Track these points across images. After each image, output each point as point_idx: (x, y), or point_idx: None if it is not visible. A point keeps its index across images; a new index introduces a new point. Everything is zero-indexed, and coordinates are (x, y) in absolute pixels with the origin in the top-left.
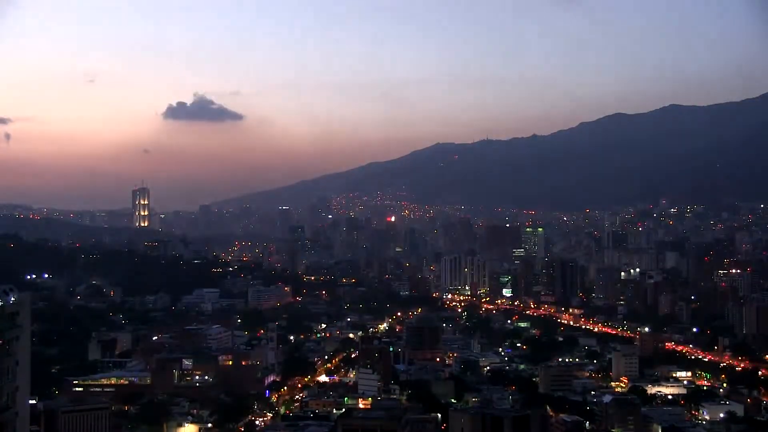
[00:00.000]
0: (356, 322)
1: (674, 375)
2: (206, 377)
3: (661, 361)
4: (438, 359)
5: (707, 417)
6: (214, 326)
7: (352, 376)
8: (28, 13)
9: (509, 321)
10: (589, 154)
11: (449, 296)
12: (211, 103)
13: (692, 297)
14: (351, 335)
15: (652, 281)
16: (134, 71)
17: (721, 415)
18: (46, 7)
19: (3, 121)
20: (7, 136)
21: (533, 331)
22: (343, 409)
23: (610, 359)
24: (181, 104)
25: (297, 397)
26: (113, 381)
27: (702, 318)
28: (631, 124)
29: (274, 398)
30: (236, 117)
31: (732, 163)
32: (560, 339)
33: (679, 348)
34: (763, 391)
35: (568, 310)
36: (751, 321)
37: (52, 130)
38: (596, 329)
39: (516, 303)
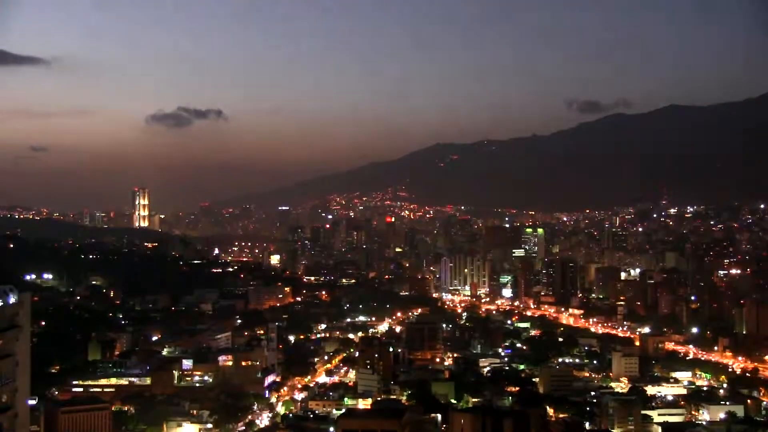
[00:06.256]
0: (356, 323)
1: (674, 375)
2: (206, 377)
3: (661, 361)
4: (438, 359)
5: (707, 417)
6: (214, 326)
7: (352, 376)
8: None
9: (509, 321)
10: (589, 154)
11: (449, 296)
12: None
13: (692, 297)
14: (351, 335)
15: (652, 281)
16: (134, 72)
17: (721, 415)
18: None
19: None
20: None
21: (533, 331)
22: (343, 409)
23: (610, 359)
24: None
25: (297, 397)
26: (113, 381)
27: (702, 318)
28: (631, 124)
29: (274, 398)
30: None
31: (732, 163)
32: (560, 339)
33: (679, 348)
34: (763, 391)
35: (568, 310)
36: (751, 321)
37: (52, 130)
38: (596, 329)
39: (516, 303)
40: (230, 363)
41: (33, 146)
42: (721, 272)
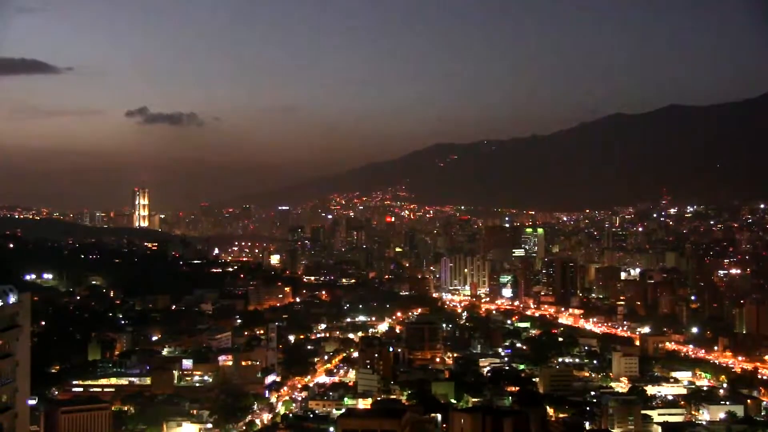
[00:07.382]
0: (356, 323)
1: (674, 375)
2: (206, 377)
3: (661, 361)
4: (438, 359)
5: (707, 417)
6: (214, 326)
7: (352, 376)
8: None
9: (509, 321)
10: (589, 154)
11: (449, 296)
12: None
13: (692, 297)
14: (351, 335)
15: (652, 281)
16: (134, 73)
17: (721, 415)
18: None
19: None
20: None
21: (533, 331)
22: (343, 409)
23: (610, 359)
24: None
25: (297, 397)
26: (113, 381)
27: (702, 318)
28: (631, 124)
29: (274, 398)
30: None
31: (732, 163)
32: (560, 339)
33: (679, 348)
34: (763, 391)
35: (568, 310)
36: (751, 321)
37: (52, 131)
38: (596, 329)
39: (516, 303)
40: (230, 363)
41: (37, 148)
42: (721, 272)
